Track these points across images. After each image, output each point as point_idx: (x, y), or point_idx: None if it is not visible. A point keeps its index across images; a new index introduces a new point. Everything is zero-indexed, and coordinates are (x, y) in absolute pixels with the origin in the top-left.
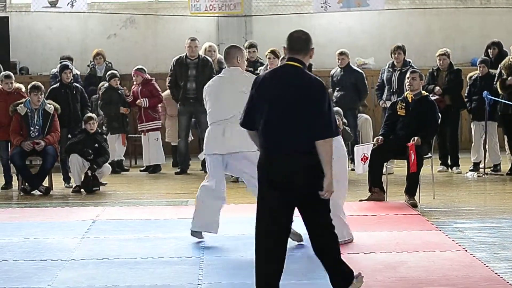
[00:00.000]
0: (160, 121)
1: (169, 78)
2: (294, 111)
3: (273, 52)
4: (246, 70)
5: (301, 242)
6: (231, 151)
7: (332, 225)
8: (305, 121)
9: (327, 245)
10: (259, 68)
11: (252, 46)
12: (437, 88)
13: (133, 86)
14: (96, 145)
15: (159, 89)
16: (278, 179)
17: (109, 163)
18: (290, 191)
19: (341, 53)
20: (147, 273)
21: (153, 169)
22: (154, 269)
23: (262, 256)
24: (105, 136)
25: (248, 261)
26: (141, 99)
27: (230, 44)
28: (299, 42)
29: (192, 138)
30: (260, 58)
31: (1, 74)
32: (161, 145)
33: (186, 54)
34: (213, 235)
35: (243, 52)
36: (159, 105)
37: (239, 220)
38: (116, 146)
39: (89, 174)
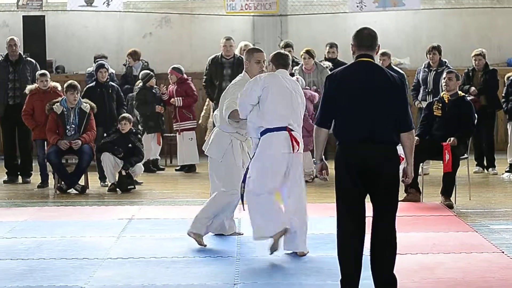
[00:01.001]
0: (195, 121)
1: (205, 77)
2: (382, 104)
3: (308, 52)
4: None
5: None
6: None
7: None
8: (391, 113)
9: (388, 241)
10: (294, 68)
11: (287, 45)
12: (473, 88)
13: (170, 85)
14: (130, 145)
15: (195, 89)
16: (367, 168)
17: (144, 162)
18: (377, 179)
19: (383, 54)
20: (183, 273)
21: (188, 169)
22: (190, 268)
23: (350, 256)
24: (139, 136)
25: (284, 260)
26: (175, 98)
27: (265, 43)
28: (370, 38)
29: None
30: (295, 58)
31: (37, 72)
32: (195, 145)
33: (221, 54)
34: (249, 234)
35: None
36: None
37: None
38: (152, 145)
39: (123, 173)
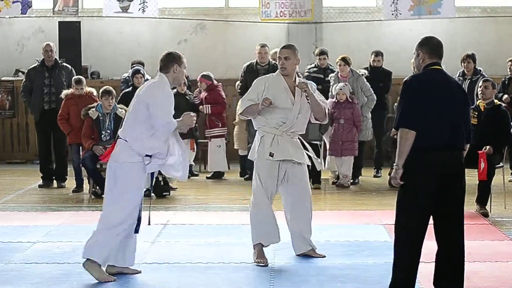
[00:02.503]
0: (225, 128)
1: (240, 84)
2: (460, 112)
3: (343, 59)
4: (315, 77)
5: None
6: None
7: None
8: (464, 122)
9: (463, 252)
10: (330, 75)
11: (322, 53)
12: (505, 96)
13: (201, 92)
14: None
15: (224, 96)
16: (448, 174)
17: None
18: (455, 186)
19: None
20: (219, 278)
21: (216, 176)
22: (226, 274)
23: (410, 266)
24: None
25: (319, 267)
26: (204, 106)
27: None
28: (441, 47)
29: None
30: (330, 65)
31: (73, 79)
32: (224, 152)
33: (256, 60)
34: (284, 240)
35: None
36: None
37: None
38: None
39: (159, 178)
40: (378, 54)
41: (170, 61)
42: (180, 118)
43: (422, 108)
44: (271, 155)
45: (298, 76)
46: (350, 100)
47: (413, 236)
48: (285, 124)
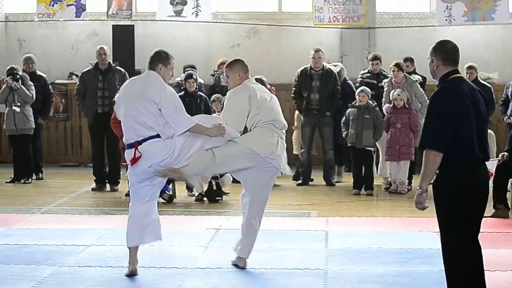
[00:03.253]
0: None
1: (293, 88)
2: (486, 121)
3: (397, 64)
4: (368, 83)
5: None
6: None
7: None
8: (486, 131)
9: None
10: (383, 81)
11: (375, 58)
12: None
13: None
14: None
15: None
16: (483, 188)
17: None
18: (484, 199)
19: (470, 67)
20: (272, 284)
21: None
22: (279, 280)
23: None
24: None
25: (372, 275)
26: None
27: (353, 56)
28: (456, 52)
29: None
30: (383, 71)
31: (126, 81)
32: None
33: (310, 65)
34: (337, 247)
35: None
36: None
37: (361, 234)
38: None
39: (213, 183)
40: (406, 59)
41: (156, 60)
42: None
43: (453, 123)
44: None
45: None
46: (407, 106)
47: (472, 258)
48: None
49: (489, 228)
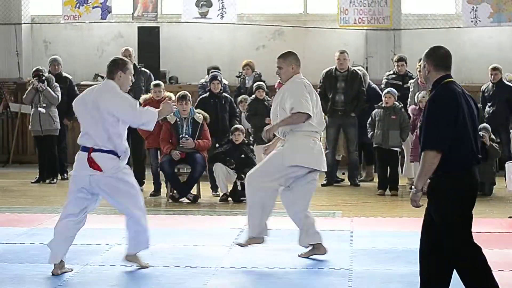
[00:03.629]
0: None
1: (318, 90)
2: (477, 124)
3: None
4: (394, 84)
5: None
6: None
7: None
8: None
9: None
10: (409, 82)
11: (401, 59)
12: None
13: None
14: (242, 155)
15: None
16: (477, 189)
17: None
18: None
19: (494, 68)
20: (296, 284)
21: None
22: (303, 279)
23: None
24: (251, 147)
25: (397, 274)
26: None
27: (378, 57)
28: (448, 58)
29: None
30: (409, 72)
31: (152, 83)
32: None
33: (335, 67)
34: (362, 247)
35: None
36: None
37: (386, 234)
38: (262, 157)
39: (238, 183)
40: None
41: (114, 67)
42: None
43: (453, 126)
44: None
45: None
46: None
47: (470, 260)
48: None
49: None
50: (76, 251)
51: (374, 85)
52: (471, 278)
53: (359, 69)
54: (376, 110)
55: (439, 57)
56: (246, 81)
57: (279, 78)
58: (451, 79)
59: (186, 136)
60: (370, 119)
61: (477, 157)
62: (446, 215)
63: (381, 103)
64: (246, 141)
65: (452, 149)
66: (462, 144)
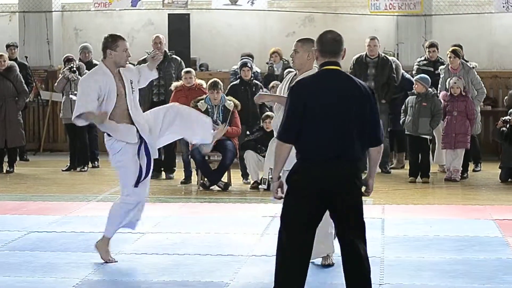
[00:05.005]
0: None
1: None
2: (353, 116)
3: (454, 51)
4: (425, 70)
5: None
6: None
7: (365, 241)
8: (360, 127)
9: (358, 259)
10: (440, 68)
11: (432, 45)
12: None
13: None
14: None
15: None
16: (328, 187)
17: None
18: (337, 198)
19: None
20: (328, 271)
21: None
22: (335, 267)
23: (290, 271)
24: None
25: (429, 262)
26: None
27: (409, 43)
28: (335, 44)
29: None
30: (440, 58)
31: (183, 70)
32: None
33: (366, 53)
34: (393, 235)
35: None
36: None
37: (417, 221)
38: None
39: (268, 171)
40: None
41: (103, 48)
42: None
43: (304, 116)
44: None
45: None
46: (464, 94)
47: (291, 261)
48: None
49: None
50: None
51: (408, 76)
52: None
53: (392, 60)
54: (409, 97)
55: (324, 43)
56: (275, 69)
57: (292, 62)
58: (328, 67)
59: (218, 121)
60: (403, 106)
61: (332, 151)
62: (282, 205)
63: (413, 90)
64: None
65: (300, 141)
66: (309, 136)
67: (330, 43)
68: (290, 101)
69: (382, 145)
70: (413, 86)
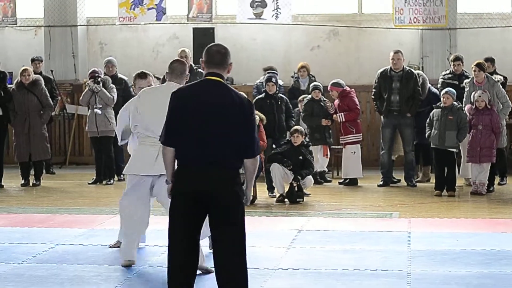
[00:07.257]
0: (359, 135)
1: (373, 90)
2: (226, 127)
3: (479, 64)
4: (450, 83)
5: None
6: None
7: (244, 253)
8: (233, 137)
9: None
10: (465, 81)
11: (457, 59)
12: None
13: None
14: (300, 157)
15: (357, 102)
16: (201, 191)
17: (312, 174)
18: (211, 203)
19: None
20: (354, 285)
21: (349, 182)
22: (361, 281)
23: (178, 274)
24: (310, 149)
25: (456, 276)
26: (337, 114)
27: (434, 56)
28: (218, 56)
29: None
30: (465, 71)
31: None
32: (359, 158)
33: (390, 67)
34: (420, 248)
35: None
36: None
37: (444, 235)
38: (318, 157)
39: (294, 184)
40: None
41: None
42: None
43: (179, 123)
44: None
45: None
46: (489, 107)
47: (177, 238)
48: None
49: None
50: None
51: (434, 90)
52: None
53: (419, 74)
54: (434, 110)
55: (209, 54)
56: (301, 83)
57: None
58: (210, 77)
59: None
60: (428, 119)
61: (204, 158)
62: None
63: (439, 103)
64: (305, 143)
65: (177, 147)
66: (183, 143)
67: (214, 55)
68: (170, 106)
69: (258, 157)
70: (442, 99)
